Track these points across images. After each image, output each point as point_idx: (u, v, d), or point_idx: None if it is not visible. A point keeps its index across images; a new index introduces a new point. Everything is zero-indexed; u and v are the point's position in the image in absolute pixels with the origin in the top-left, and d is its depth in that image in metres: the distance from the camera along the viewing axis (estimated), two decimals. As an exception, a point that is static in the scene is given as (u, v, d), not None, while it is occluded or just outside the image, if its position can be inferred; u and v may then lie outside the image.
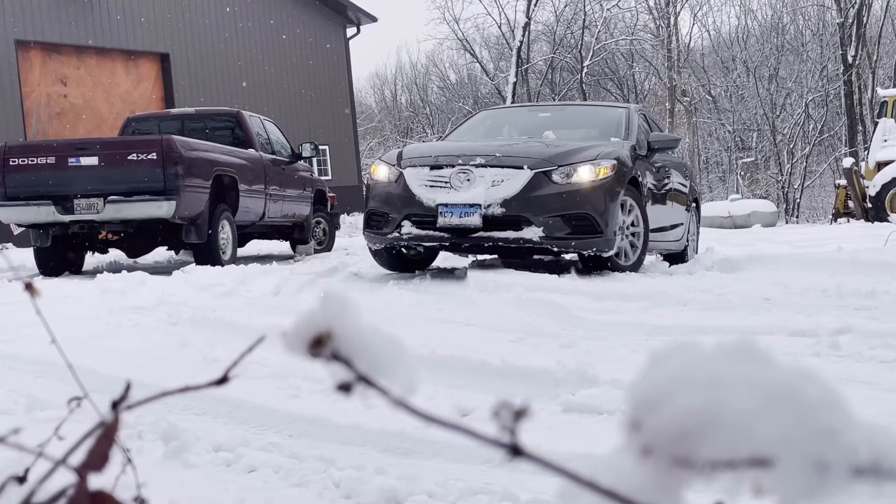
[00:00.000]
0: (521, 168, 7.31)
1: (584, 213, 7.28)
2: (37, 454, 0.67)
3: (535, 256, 8.48)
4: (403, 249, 8.12)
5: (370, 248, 8.21)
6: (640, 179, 7.91)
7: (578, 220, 7.29)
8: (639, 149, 8.28)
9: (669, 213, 8.95)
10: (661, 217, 8.65)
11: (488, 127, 9.17)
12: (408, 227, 7.49)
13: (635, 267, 7.76)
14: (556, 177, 7.32)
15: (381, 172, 7.87)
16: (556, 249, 7.48)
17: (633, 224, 7.78)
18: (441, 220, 7.32)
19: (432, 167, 7.52)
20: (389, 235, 7.62)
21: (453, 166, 7.42)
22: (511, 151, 7.63)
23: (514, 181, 7.27)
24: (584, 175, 7.33)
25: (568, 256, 8.57)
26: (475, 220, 7.25)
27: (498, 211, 7.23)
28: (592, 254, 7.48)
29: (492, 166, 7.35)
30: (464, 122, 9.63)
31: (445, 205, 7.32)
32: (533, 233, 7.25)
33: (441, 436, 2.89)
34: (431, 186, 7.44)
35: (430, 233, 7.42)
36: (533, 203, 7.24)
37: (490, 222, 7.26)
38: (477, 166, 7.36)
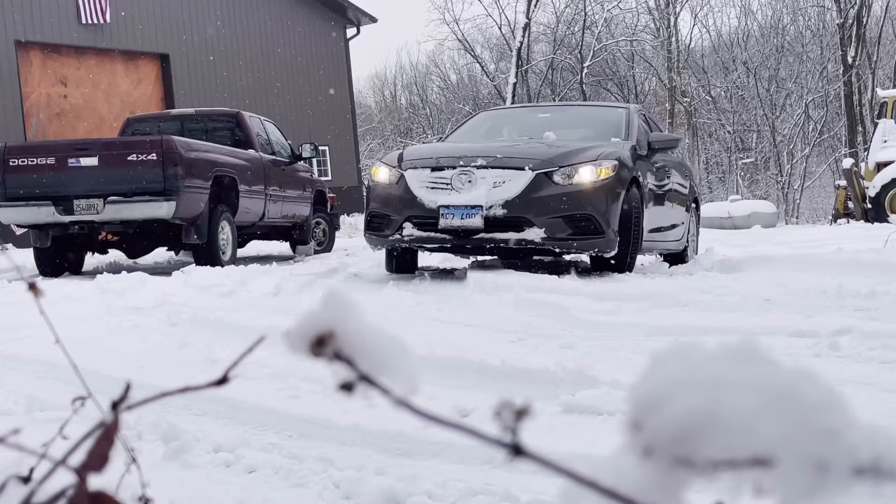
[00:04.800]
0: (523, 169, 7.30)
1: (585, 214, 7.28)
2: (40, 455, 0.67)
3: (536, 257, 8.48)
4: (398, 252, 8.10)
5: (378, 251, 8.14)
6: (640, 180, 7.91)
7: (580, 220, 7.29)
8: (639, 149, 8.27)
9: (669, 213, 8.95)
10: (661, 217, 8.64)
11: (488, 128, 9.15)
12: (409, 229, 7.49)
13: (630, 267, 7.74)
14: (557, 178, 7.31)
15: (381, 174, 7.85)
16: (557, 250, 7.47)
17: (636, 224, 7.77)
18: (442, 222, 7.32)
19: (433, 169, 7.51)
20: (391, 237, 7.61)
21: (454, 168, 7.42)
22: (512, 152, 7.61)
23: (516, 182, 7.27)
24: (586, 176, 7.33)
25: (568, 257, 8.57)
26: (477, 221, 7.24)
27: (499, 212, 7.22)
28: (594, 254, 7.49)
29: (493, 167, 7.35)
30: (463, 123, 9.63)
31: (447, 206, 7.31)
32: (535, 234, 7.25)
33: (441, 436, 2.89)
34: (433, 188, 7.44)
35: (432, 234, 7.42)
36: (534, 204, 7.23)
37: (492, 224, 7.25)
38: (478, 167, 7.36)
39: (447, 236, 7.38)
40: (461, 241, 7.40)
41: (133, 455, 0.85)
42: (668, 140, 8.77)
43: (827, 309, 5.46)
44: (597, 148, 7.66)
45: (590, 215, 7.27)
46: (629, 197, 7.61)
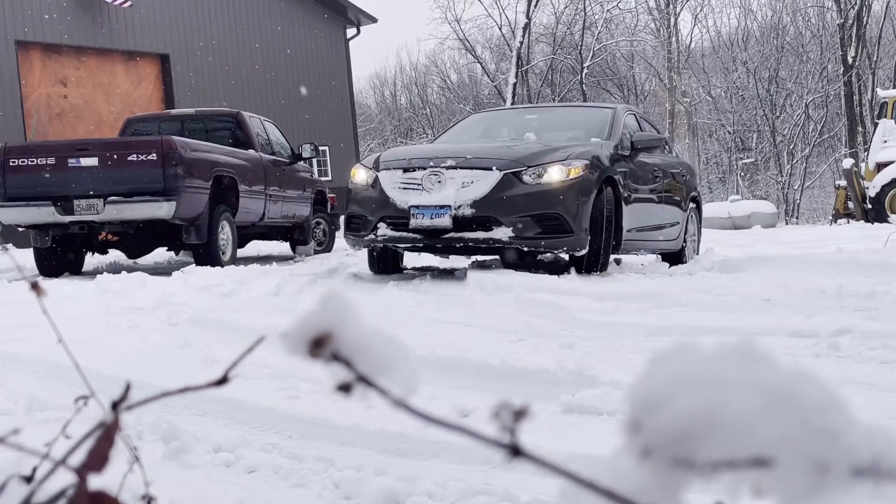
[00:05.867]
0: (490, 169, 7.38)
1: (553, 213, 7.33)
2: (43, 455, 0.67)
3: (538, 258, 8.49)
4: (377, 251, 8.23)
5: (358, 251, 8.31)
6: (618, 179, 7.93)
7: (548, 219, 7.34)
8: (621, 149, 8.32)
9: (657, 212, 8.93)
10: (649, 216, 8.65)
11: (476, 129, 9.26)
12: (383, 229, 7.62)
13: (603, 266, 7.75)
14: (526, 177, 7.38)
15: (359, 176, 8.01)
16: (526, 249, 7.52)
17: (608, 223, 7.78)
18: (413, 222, 7.43)
19: (405, 170, 7.63)
20: (366, 237, 7.75)
21: (425, 168, 7.54)
22: (481, 153, 7.69)
23: (484, 182, 7.34)
24: (555, 175, 7.38)
25: (567, 256, 8.58)
26: (445, 221, 7.34)
27: (468, 212, 7.31)
28: (564, 253, 7.56)
29: (462, 168, 7.45)
30: (453, 125, 9.77)
31: (417, 206, 7.43)
32: (503, 233, 7.32)
33: (441, 436, 2.89)
34: (404, 189, 7.56)
35: (404, 234, 7.54)
36: (502, 204, 7.30)
37: (460, 223, 7.35)
38: (448, 168, 7.46)
39: (418, 236, 7.49)
40: (431, 241, 7.51)
41: (136, 454, 0.85)
42: (651, 139, 8.82)
43: (827, 309, 5.46)
44: (569, 148, 7.71)
45: (558, 214, 7.33)
46: (603, 196, 7.64)
